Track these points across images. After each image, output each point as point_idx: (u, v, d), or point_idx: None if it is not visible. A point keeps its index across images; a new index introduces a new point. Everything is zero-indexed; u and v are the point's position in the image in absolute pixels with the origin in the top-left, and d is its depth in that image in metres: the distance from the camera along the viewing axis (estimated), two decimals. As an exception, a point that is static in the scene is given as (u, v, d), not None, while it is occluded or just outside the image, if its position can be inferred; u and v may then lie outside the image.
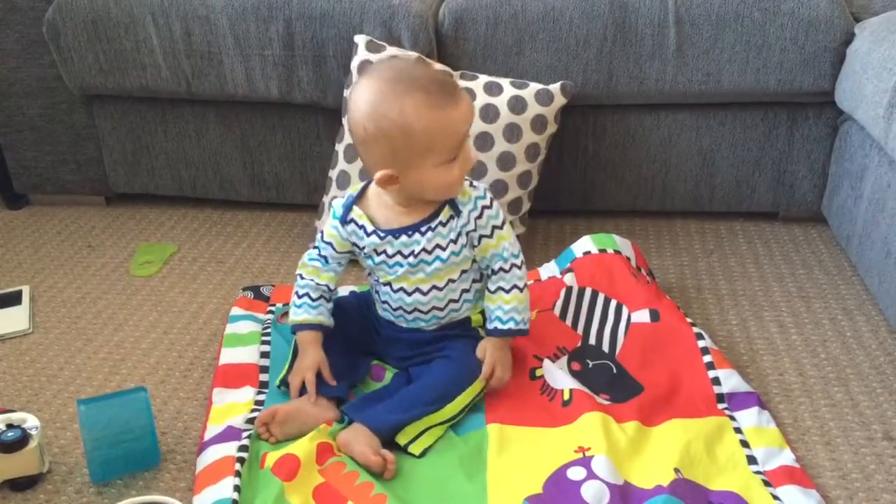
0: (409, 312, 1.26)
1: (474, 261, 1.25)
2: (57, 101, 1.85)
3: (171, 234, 1.85)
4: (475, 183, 1.24)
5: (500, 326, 1.23)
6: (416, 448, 1.14)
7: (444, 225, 1.21)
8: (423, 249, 1.21)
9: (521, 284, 1.24)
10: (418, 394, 1.18)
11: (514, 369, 1.29)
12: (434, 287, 1.24)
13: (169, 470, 1.15)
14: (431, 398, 1.17)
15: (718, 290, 1.58)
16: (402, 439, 1.15)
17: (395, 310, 1.27)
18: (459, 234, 1.21)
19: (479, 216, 1.21)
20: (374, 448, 1.11)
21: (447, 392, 1.18)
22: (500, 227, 1.22)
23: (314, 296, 1.28)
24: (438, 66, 1.19)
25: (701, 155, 1.77)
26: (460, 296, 1.26)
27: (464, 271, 1.24)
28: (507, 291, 1.23)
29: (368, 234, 1.22)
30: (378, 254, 1.23)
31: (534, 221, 1.74)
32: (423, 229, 1.20)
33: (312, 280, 1.28)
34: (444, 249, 1.21)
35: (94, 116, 1.87)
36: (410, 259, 1.21)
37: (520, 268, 1.24)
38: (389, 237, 1.21)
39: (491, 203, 1.22)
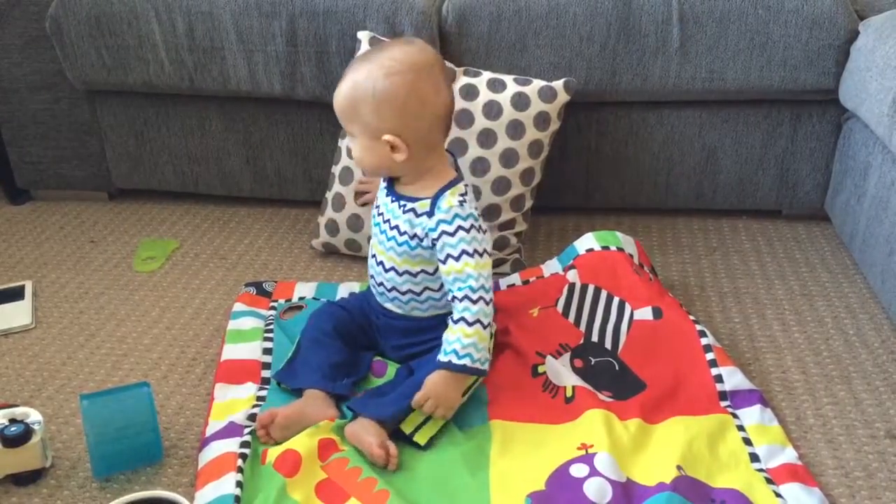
0: (389, 290, 1.27)
1: None
2: (59, 97, 1.85)
3: (174, 229, 1.85)
4: (466, 202, 1.20)
5: (454, 360, 1.14)
6: (421, 437, 1.15)
7: (417, 215, 1.21)
8: (397, 227, 1.23)
9: (485, 321, 1.15)
10: (419, 383, 1.17)
11: (517, 366, 1.29)
12: (407, 272, 1.24)
13: (171, 465, 1.15)
14: None
15: (721, 288, 1.58)
16: (407, 427, 1.15)
17: (378, 285, 1.29)
18: (426, 235, 1.20)
19: (452, 234, 1.17)
20: (380, 440, 1.11)
21: None
22: (471, 256, 1.16)
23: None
24: (379, 56, 1.18)
25: (704, 152, 1.76)
26: (439, 288, 1.24)
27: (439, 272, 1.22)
28: (470, 325, 1.14)
29: (384, 182, 1.29)
30: (376, 206, 1.29)
31: (536, 218, 1.74)
32: (402, 204, 1.23)
33: None
34: (410, 238, 1.22)
35: (97, 112, 1.86)
36: (387, 228, 1.24)
37: (487, 304, 1.16)
38: (385, 193, 1.26)
39: (470, 229, 1.17)
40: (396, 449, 1.11)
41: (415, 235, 1.21)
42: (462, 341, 1.15)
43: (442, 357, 1.16)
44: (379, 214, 1.27)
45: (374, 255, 1.29)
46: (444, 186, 1.21)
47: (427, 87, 1.17)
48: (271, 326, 1.41)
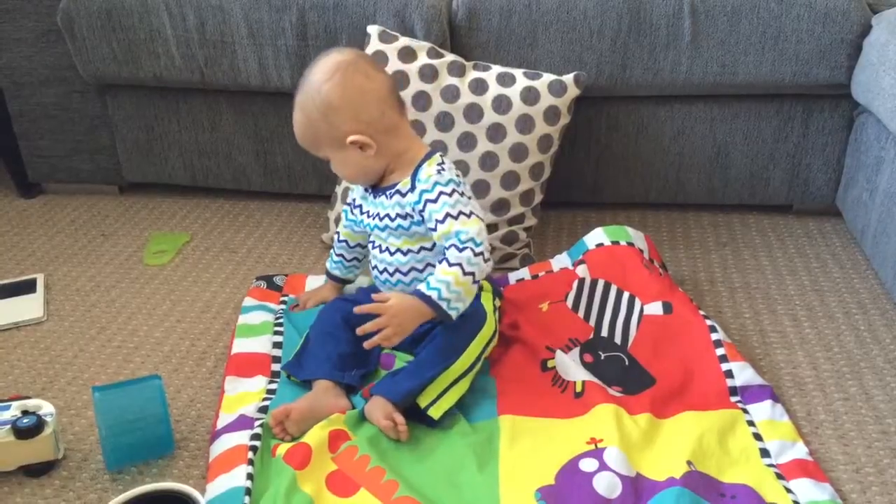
0: (392, 274, 1.30)
1: None
2: (71, 91, 1.86)
3: (184, 223, 1.85)
4: (445, 169, 1.23)
5: (423, 290, 1.16)
6: (435, 412, 1.15)
7: (402, 195, 1.25)
8: (387, 215, 1.27)
9: (467, 268, 1.17)
10: (428, 355, 1.19)
11: (526, 360, 1.29)
12: (410, 250, 1.28)
13: (182, 457, 1.16)
14: (440, 356, 1.18)
15: (731, 283, 1.57)
16: (422, 401, 1.16)
17: (381, 272, 1.32)
18: (413, 210, 1.24)
19: (434, 200, 1.21)
20: (386, 412, 1.13)
21: (454, 345, 1.20)
22: (456, 218, 1.19)
23: (337, 252, 1.45)
24: (310, 76, 1.23)
25: (715, 147, 1.76)
26: (441, 262, 1.26)
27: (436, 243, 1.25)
28: (451, 265, 1.17)
29: (364, 190, 1.34)
30: (363, 211, 1.33)
31: (546, 213, 1.74)
32: (389, 193, 1.26)
33: (338, 235, 1.44)
34: (403, 218, 1.26)
35: (108, 106, 1.87)
36: (376, 220, 1.29)
37: (476, 255, 1.17)
38: (367, 194, 1.32)
39: (452, 193, 1.21)
40: (403, 418, 1.13)
41: (406, 215, 1.25)
42: (438, 276, 1.17)
43: (416, 287, 1.19)
44: (370, 217, 1.31)
45: (377, 246, 1.32)
46: (420, 161, 1.25)
47: (357, 77, 1.21)
48: (281, 320, 1.41)
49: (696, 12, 1.60)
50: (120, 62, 1.76)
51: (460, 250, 1.18)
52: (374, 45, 1.59)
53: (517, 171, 1.57)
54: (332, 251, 1.46)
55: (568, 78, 1.59)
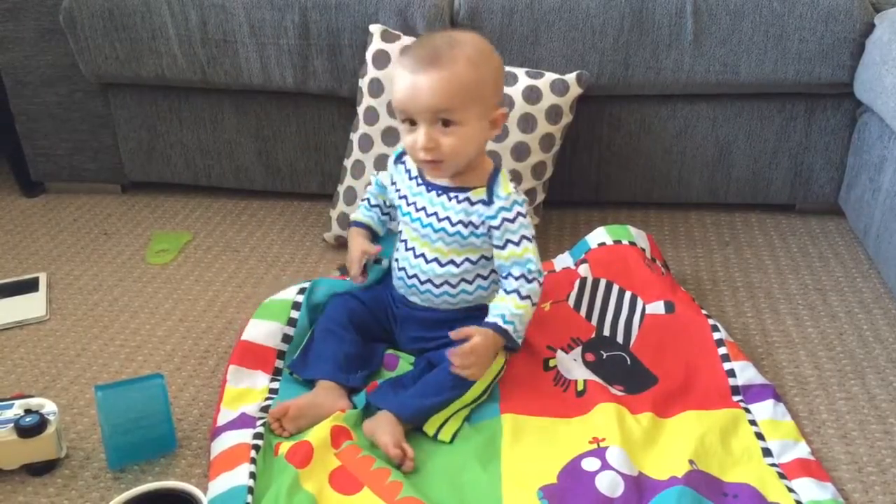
0: (423, 283, 1.27)
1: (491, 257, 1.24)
2: (73, 90, 1.86)
3: (186, 222, 1.85)
4: (517, 188, 1.23)
5: (500, 323, 1.16)
6: (445, 435, 1.15)
7: (472, 203, 1.21)
8: (447, 218, 1.22)
9: (535, 300, 1.20)
10: (441, 379, 1.18)
11: (528, 360, 1.29)
12: (451, 261, 1.24)
13: (185, 456, 1.16)
14: (454, 382, 1.17)
15: (734, 283, 1.57)
16: (430, 429, 1.16)
17: (409, 277, 1.28)
18: (482, 223, 1.21)
19: (512, 220, 1.19)
20: (395, 440, 1.11)
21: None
22: (529, 240, 1.20)
23: (372, 202, 1.39)
24: (464, 37, 1.16)
25: (717, 146, 1.76)
26: (474, 279, 1.25)
27: (484, 257, 1.24)
28: (522, 298, 1.18)
29: (411, 179, 1.27)
30: (409, 203, 1.26)
31: (548, 212, 1.74)
32: (452, 195, 1.22)
33: (374, 188, 1.38)
34: (465, 226, 1.21)
35: (111, 105, 1.87)
36: (433, 220, 1.23)
37: (540, 285, 1.20)
38: (424, 188, 1.25)
39: (526, 214, 1.21)
40: (413, 451, 1.11)
41: (470, 223, 1.22)
42: (511, 310, 1.17)
43: (489, 319, 1.18)
44: (418, 208, 1.25)
45: (411, 248, 1.27)
46: (493, 172, 1.22)
47: None
48: (300, 298, 1.35)
49: (699, 11, 1.60)
50: (122, 61, 1.76)
51: (529, 281, 1.19)
52: (376, 44, 1.59)
53: (519, 171, 1.57)
54: (363, 205, 1.40)
55: (570, 77, 1.59)
